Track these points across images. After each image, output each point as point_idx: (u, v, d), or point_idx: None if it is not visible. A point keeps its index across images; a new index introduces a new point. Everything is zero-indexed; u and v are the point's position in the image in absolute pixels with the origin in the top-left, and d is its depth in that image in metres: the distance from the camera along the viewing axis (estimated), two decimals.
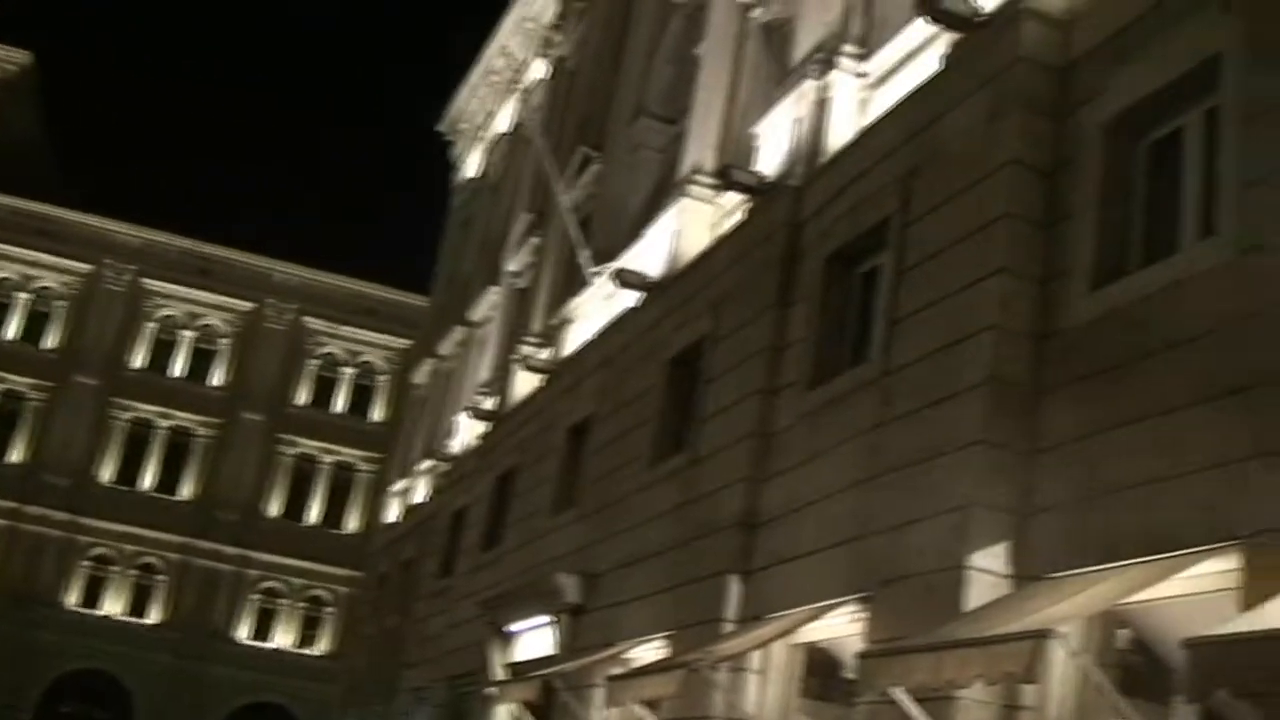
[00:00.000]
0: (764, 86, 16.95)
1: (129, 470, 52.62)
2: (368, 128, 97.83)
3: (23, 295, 53.77)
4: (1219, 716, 7.03)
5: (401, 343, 53.82)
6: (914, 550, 9.66)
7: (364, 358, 56.31)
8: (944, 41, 11.68)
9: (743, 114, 17.30)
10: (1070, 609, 7.74)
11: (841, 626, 10.74)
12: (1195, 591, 7.75)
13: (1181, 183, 9.21)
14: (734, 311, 14.33)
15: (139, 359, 54.03)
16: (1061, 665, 8.34)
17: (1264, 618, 5.97)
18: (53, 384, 52.32)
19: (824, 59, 14.28)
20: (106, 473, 52.43)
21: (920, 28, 12.24)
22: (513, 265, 28.32)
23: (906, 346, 10.72)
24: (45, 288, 53.93)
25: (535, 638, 18.26)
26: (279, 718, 51.15)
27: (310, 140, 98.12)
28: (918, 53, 12.71)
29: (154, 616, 51.15)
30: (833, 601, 10.48)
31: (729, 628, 12.24)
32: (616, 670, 13.47)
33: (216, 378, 54.58)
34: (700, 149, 17.85)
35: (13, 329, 53.52)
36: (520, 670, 18.36)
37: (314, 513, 54.06)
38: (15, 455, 51.78)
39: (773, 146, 15.02)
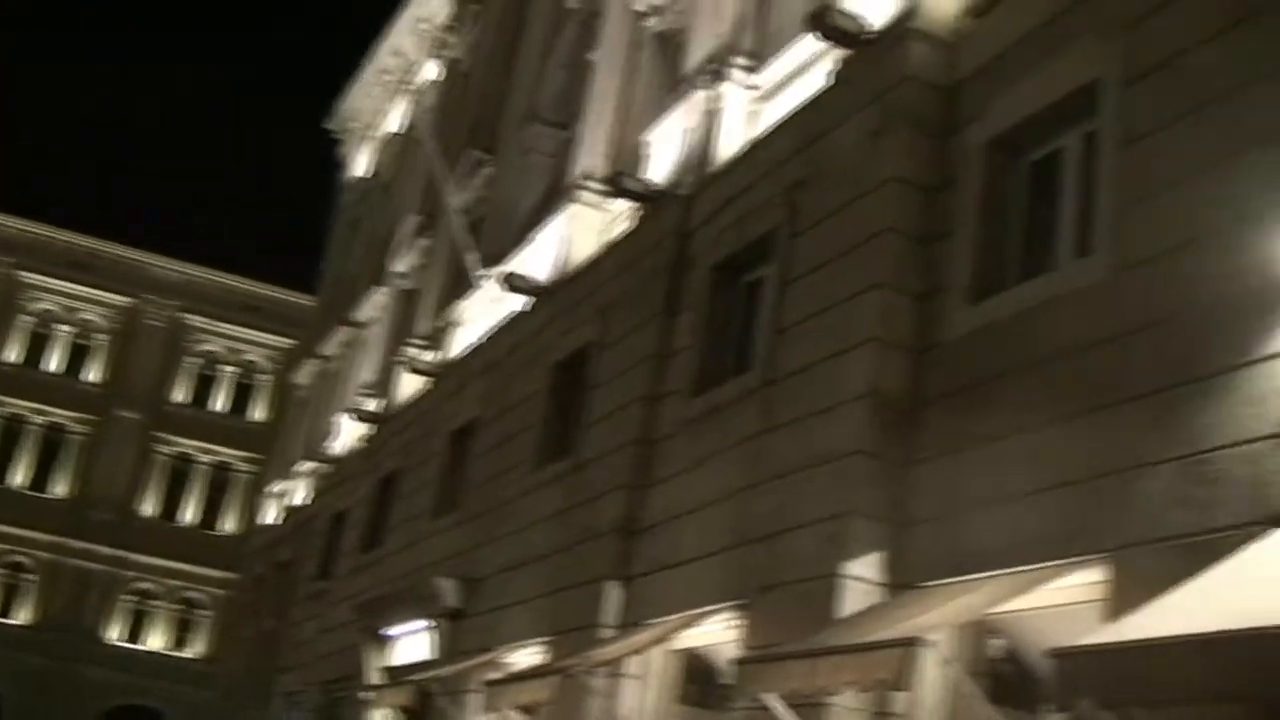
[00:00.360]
0: (656, 95, 17.05)
1: None
2: (255, 124, 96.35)
3: None
4: None
5: (285, 342, 53.07)
6: (791, 558, 9.77)
7: (246, 356, 55.46)
8: (833, 57, 11.83)
9: (634, 121, 17.37)
10: (941, 618, 7.88)
11: (720, 633, 10.81)
12: (1064, 602, 7.92)
13: (1059, 203, 9.43)
14: (620, 318, 14.38)
15: (13, 353, 52.64)
16: (932, 673, 8.48)
17: (1127, 629, 6.12)
18: None
19: (715, 70, 14.40)
20: None
21: (810, 43, 12.40)
22: (400, 266, 28.11)
23: (789, 357, 10.84)
24: None
25: (413, 642, 18.12)
26: None
27: (195, 135, 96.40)
28: (807, 68, 12.87)
29: (23, 617, 49.83)
30: (711, 608, 10.56)
31: (608, 633, 12.26)
32: (494, 675, 13.42)
33: (93, 373, 53.37)
34: (591, 155, 17.89)
35: None
36: (397, 675, 18.20)
37: (190, 513, 53.08)
38: None
39: (663, 155, 15.12)
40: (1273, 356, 6.90)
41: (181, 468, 53.42)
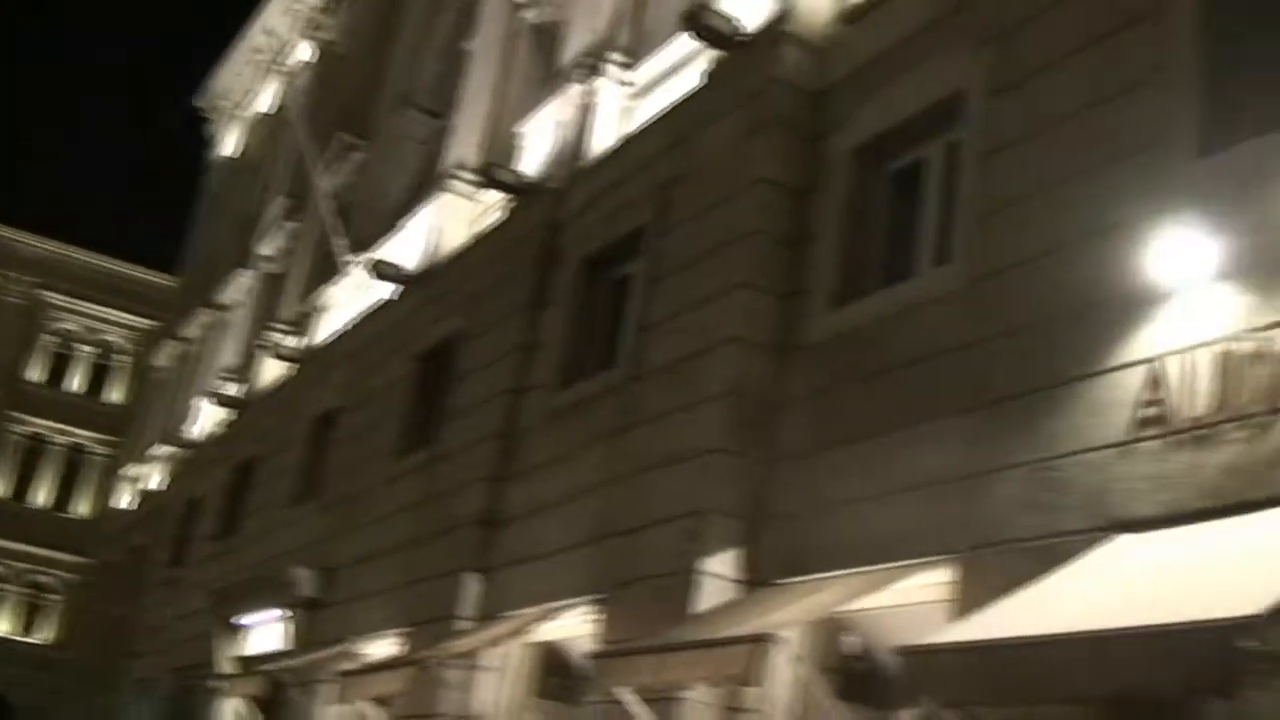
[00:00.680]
0: (531, 87, 16.98)
1: None
2: (123, 99, 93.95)
3: None
4: None
5: (145, 323, 51.79)
6: (649, 553, 9.82)
7: (104, 336, 54.04)
8: (707, 58, 11.91)
9: (509, 113, 17.28)
10: (793, 615, 7.99)
11: (578, 626, 10.82)
12: (917, 601, 8.06)
13: (921, 211, 9.61)
14: (488, 309, 14.32)
15: None
16: (783, 669, 8.59)
17: (972, 628, 6.27)
18: None
19: (591, 65, 14.40)
20: None
21: (685, 43, 12.46)
22: (266, 249, 27.64)
23: (654, 353, 10.90)
24: None
25: (267, 632, 17.85)
26: None
27: (57, 108, 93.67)
28: (681, 67, 12.93)
29: None
30: (569, 602, 10.57)
31: (465, 625, 12.21)
32: (347, 666, 13.27)
33: None
34: (464, 145, 17.76)
35: None
36: (249, 665, 17.92)
37: (42, 495, 51.59)
38: None
39: (536, 147, 15.08)
40: (1117, 368, 7.11)
41: (35, 448, 51.90)
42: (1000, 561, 7.33)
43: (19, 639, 49.74)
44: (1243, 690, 4.95)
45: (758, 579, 9.26)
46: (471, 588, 12.42)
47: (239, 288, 29.44)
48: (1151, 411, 6.85)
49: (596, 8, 14.93)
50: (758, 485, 9.55)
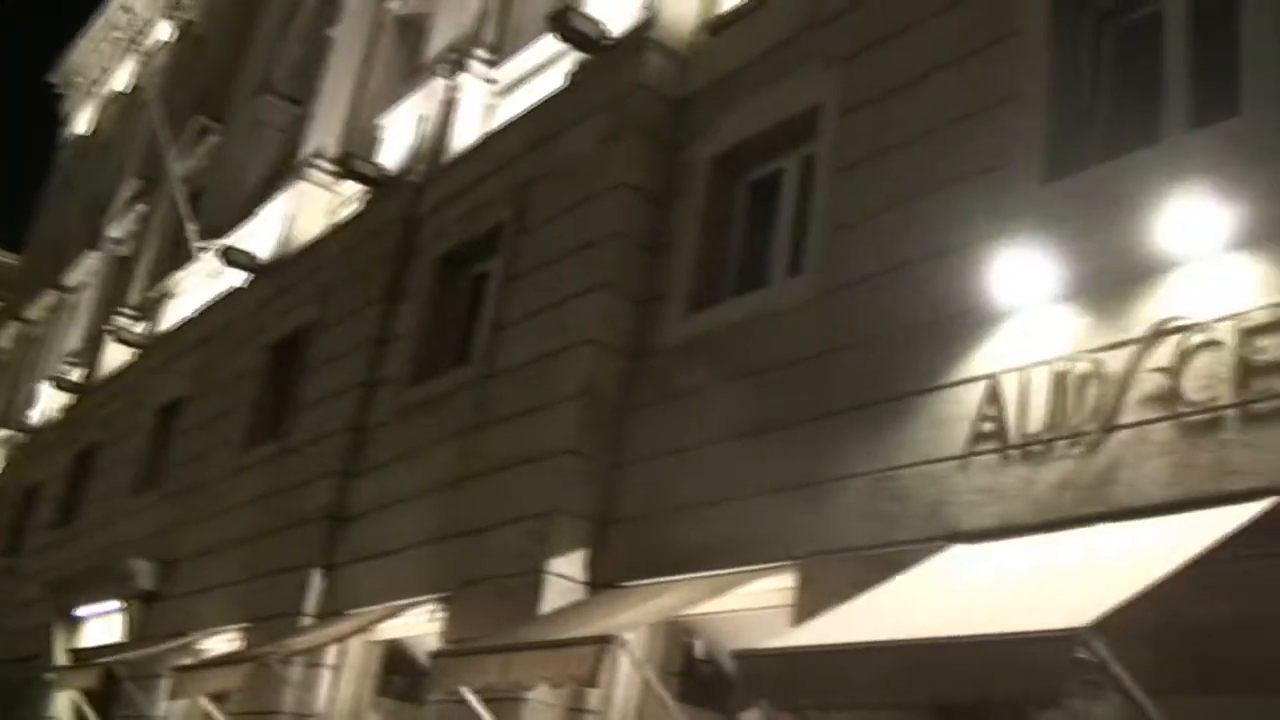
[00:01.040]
0: (394, 79, 16.86)
1: None
2: None
3: None
4: None
5: None
6: (496, 553, 9.80)
7: None
8: (571, 60, 11.93)
9: (370, 103, 17.10)
10: (636, 617, 8.04)
11: (423, 625, 10.75)
12: (761, 606, 8.17)
13: (776, 222, 9.74)
14: (341, 302, 14.15)
15: None
16: (625, 671, 8.65)
17: (807, 633, 6.39)
18: None
19: (456, 60, 14.32)
20: None
21: (550, 43, 12.45)
22: (116, 231, 26.95)
23: (509, 353, 10.88)
24: None
25: (104, 623, 17.40)
26: None
27: None
28: (546, 67, 12.92)
29: None
30: (412, 600, 10.49)
31: (307, 622, 12.05)
32: (185, 661, 13.01)
33: None
34: (323, 133, 17.54)
35: None
36: (84, 657, 17.45)
37: None
38: None
39: (397, 140, 14.95)
40: (958, 383, 7.31)
41: None
42: (840, 568, 7.46)
43: None
44: (1070, 700, 5.14)
45: (605, 581, 9.29)
46: (316, 583, 12.26)
47: (87, 269, 28.66)
48: (989, 426, 7.05)
49: (463, 3, 14.86)
50: (607, 487, 9.59)
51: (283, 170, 19.27)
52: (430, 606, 10.51)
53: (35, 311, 32.61)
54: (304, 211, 16.89)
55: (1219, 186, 6.35)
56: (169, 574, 15.74)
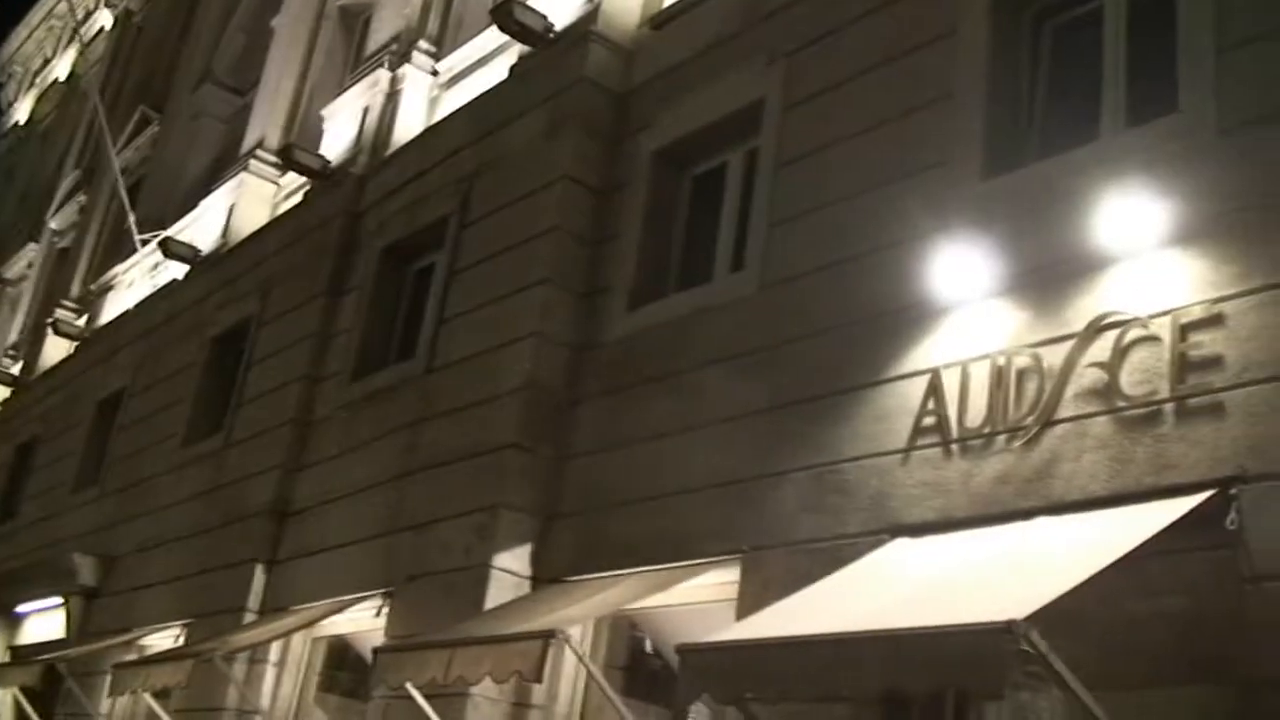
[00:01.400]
0: (338, 70, 16.73)
1: None
2: None
3: None
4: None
5: None
6: (440, 548, 9.76)
7: None
8: (515, 52, 11.89)
9: (313, 95, 16.98)
10: (581, 611, 8.05)
11: (367, 621, 10.68)
12: (706, 600, 8.20)
13: (719, 217, 9.75)
14: (283, 295, 14.04)
15: None
16: (569, 665, 8.65)
17: (749, 627, 6.42)
18: None
19: (399, 51, 14.25)
20: None
21: (494, 35, 12.41)
22: (56, 223, 26.61)
23: (452, 346, 10.84)
24: None
25: (45, 620, 17.19)
26: None
27: None
28: (490, 59, 12.89)
29: None
30: (356, 595, 10.43)
31: (250, 618, 11.96)
32: (126, 657, 12.87)
33: None
34: (266, 125, 17.39)
35: None
36: (24, 654, 17.24)
37: None
38: None
39: (340, 132, 14.84)
40: (900, 377, 7.36)
41: None
42: (784, 562, 7.51)
43: None
44: (1009, 691, 5.18)
45: (549, 576, 9.28)
46: (259, 579, 12.16)
47: (27, 261, 28.28)
48: (930, 421, 7.11)
49: None
50: (551, 481, 9.58)
51: (225, 162, 19.10)
52: (375, 602, 10.44)
53: None
54: (246, 203, 16.76)
55: (1156, 183, 6.43)
56: (111, 570, 15.56)
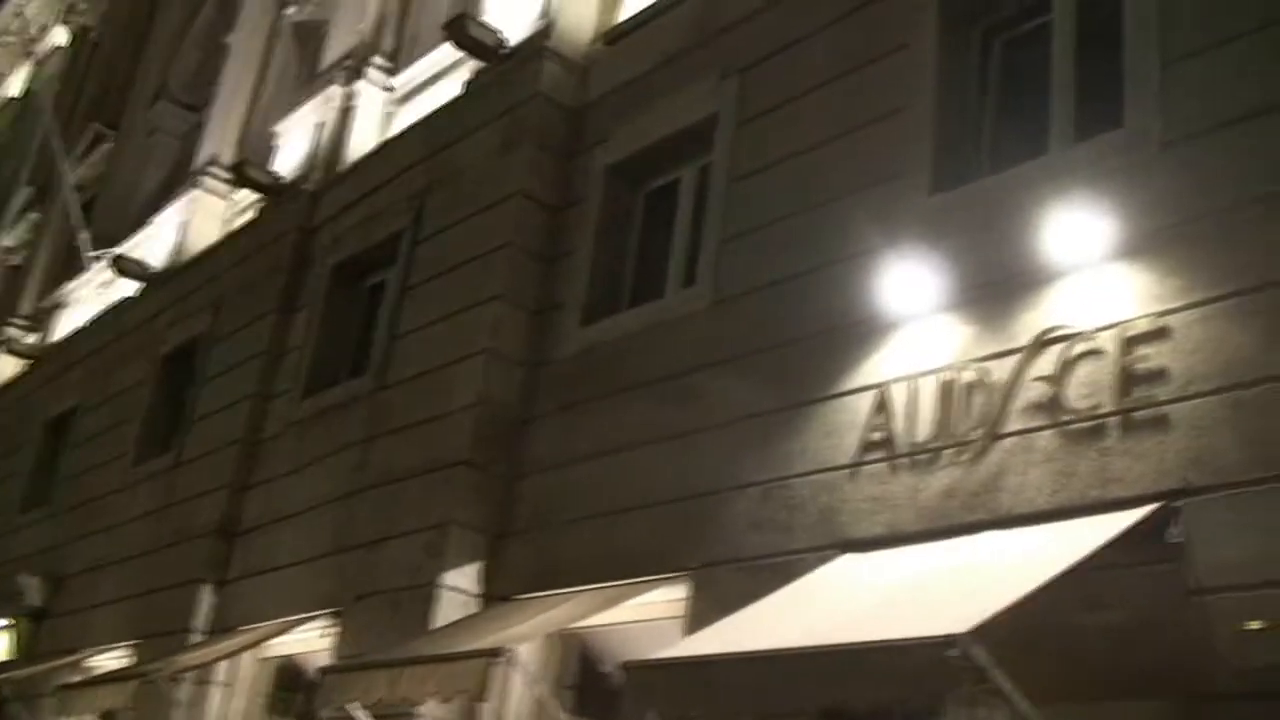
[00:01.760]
0: (291, 86, 16.63)
1: None
2: None
3: None
4: None
5: None
6: (389, 566, 9.66)
7: None
8: (469, 68, 11.85)
9: (267, 111, 16.87)
10: (528, 629, 7.98)
11: (316, 641, 10.57)
12: (655, 617, 8.15)
13: (672, 232, 9.72)
14: (235, 312, 13.92)
15: None
16: (517, 684, 8.56)
17: (694, 644, 6.37)
18: None
19: (353, 67, 14.17)
20: None
21: (448, 51, 12.34)
22: (7, 240, 26.32)
23: (404, 363, 10.75)
24: None
25: None
26: None
27: None
28: (444, 75, 12.82)
29: None
30: (304, 615, 10.31)
31: (198, 638, 11.81)
32: (72, 679, 12.69)
33: None
34: (219, 141, 17.28)
35: None
36: None
37: None
38: None
39: (293, 148, 14.74)
40: (849, 392, 7.34)
41: None
42: (732, 578, 7.46)
43: None
44: (953, 705, 5.15)
45: (499, 594, 9.20)
46: (207, 599, 12.02)
47: None
48: (878, 435, 7.09)
49: (361, 10, 14.69)
50: (502, 499, 9.51)
51: (179, 178, 18.94)
52: (323, 622, 10.33)
53: None
54: (198, 220, 16.62)
55: (1102, 198, 6.45)
56: (59, 590, 15.36)
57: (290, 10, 17.46)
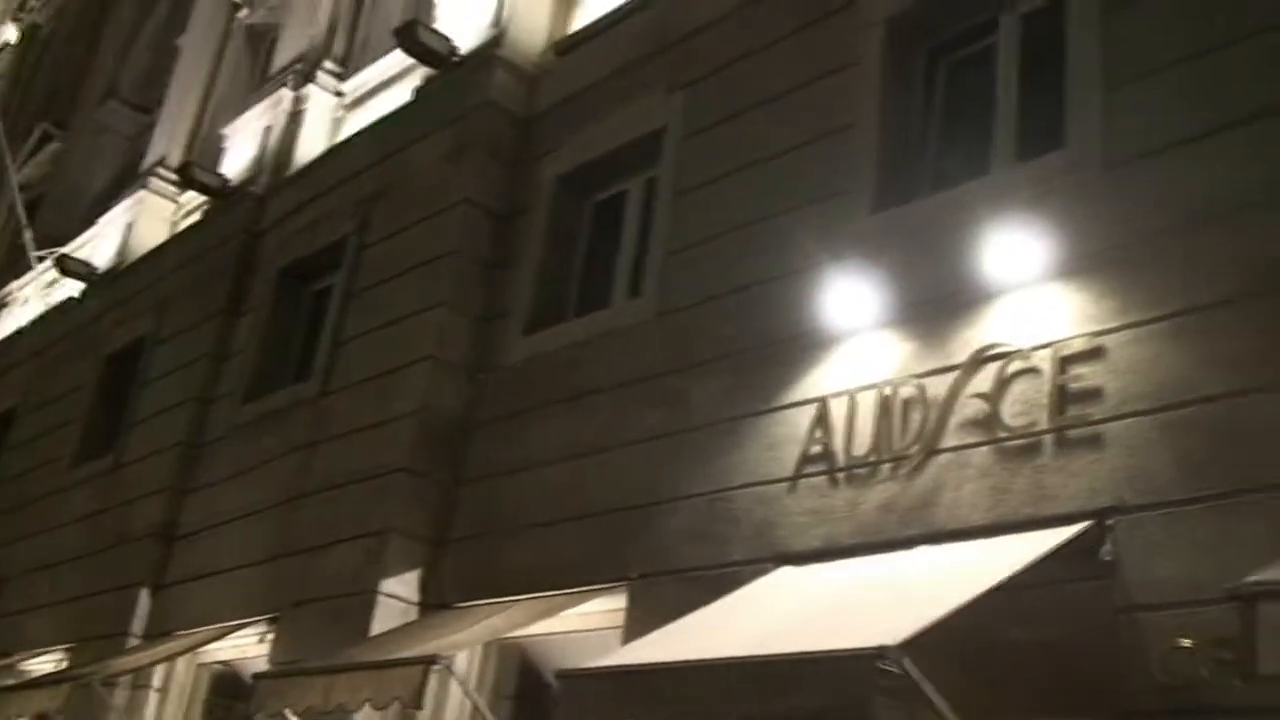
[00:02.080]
0: (242, 89, 16.55)
1: None
2: None
3: None
4: None
5: None
6: (328, 573, 9.61)
7: None
8: (419, 75, 11.83)
9: (217, 113, 16.77)
10: (465, 638, 7.96)
11: (253, 647, 10.50)
12: (594, 627, 8.15)
13: (619, 243, 9.74)
14: (179, 314, 13.82)
15: None
16: (454, 692, 8.54)
17: (629, 653, 6.37)
18: None
19: (303, 71, 14.12)
20: None
21: (400, 57, 12.32)
22: None
23: (347, 369, 10.71)
24: None
25: None
26: None
27: None
28: (395, 81, 12.79)
29: None
30: (241, 621, 10.23)
31: (134, 642, 11.70)
32: (5, 682, 12.54)
33: None
34: (168, 142, 17.15)
35: None
36: None
37: None
38: None
39: (241, 151, 14.66)
40: (789, 406, 7.38)
41: None
42: (670, 589, 7.47)
43: None
44: (881, 716, 5.17)
45: (438, 602, 9.17)
46: (144, 603, 11.90)
47: None
48: (817, 449, 7.13)
49: (313, 14, 14.64)
50: (443, 507, 9.48)
51: (127, 179, 18.79)
52: (261, 627, 10.26)
53: None
54: (145, 221, 16.49)
55: (1041, 218, 6.51)
56: None
57: (243, 13, 17.36)
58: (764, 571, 6.99)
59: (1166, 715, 5.34)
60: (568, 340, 9.36)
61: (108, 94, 21.14)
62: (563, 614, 8.07)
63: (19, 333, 18.69)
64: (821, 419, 7.15)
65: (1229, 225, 5.88)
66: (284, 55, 14.78)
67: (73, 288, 17.17)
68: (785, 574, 6.86)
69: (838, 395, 7.13)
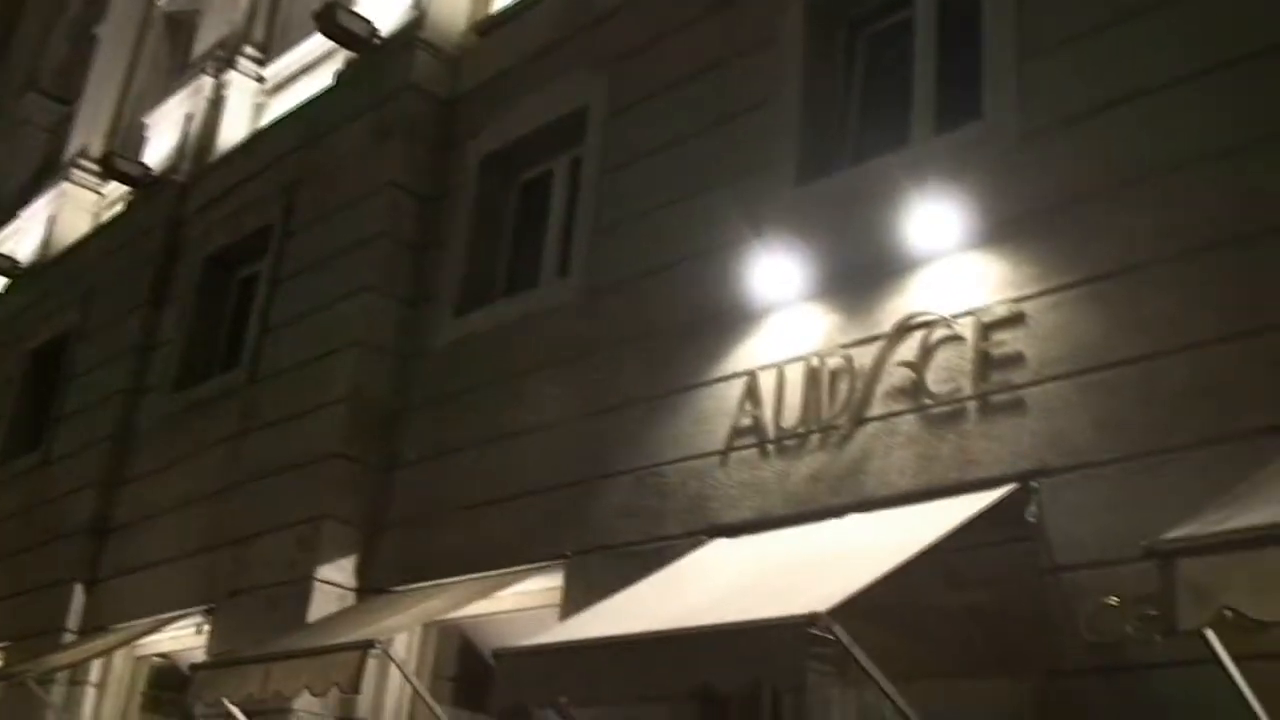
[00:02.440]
0: (162, 77, 16.32)
1: None
2: None
3: None
4: None
5: None
6: (263, 561, 9.56)
7: None
8: (341, 58, 11.75)
9: (137, 102, 16.53)
10: (402, 621, 7.96)
11: (191, 638, 10.42)
12: (532, 606, 8.19)
13: (546, 223, 9.75)
14: (105, 306, 13.66)
15: None
16: (393, 676, 8.54)
17: (564, 630, 6.41)
18: None
19: (224, 58, 13.97)
20: None
21: (321, 41, 12.22)
22: None
23: (276, 356, 10.64)
24: None
25: None
26: None
27: None
28: (317, 65, 12.69)
29: None
30: (176, 613, 10.15)
31: (69, 638, 11.58)
32: None
33: None
34: (88, 133, 16.90)
35: None
36: None
37: None
38: None
39: (163, 140, 14.49)
40: (719, 380, 7.43)
41: None
42: (605, 565, 7.52)
43: None
44: (815, 682, 5.24)
45: (375, 587, 9.16)
46: (78, 599, 11.77)
47: None
48: (747, 422, 7.19)
49: (232, 0, 14.48)
50: (377, 492, 9.47)
51: (48, 171, 18.50)
52: (198, 619, 10.18)
53: None
54: (67, 213, 16.25)
55: (961, 188, 6.59)
56: None
57: (161, 1, 17.12)
58: (698, 544, 7.04)
59: (1094, 673, 5.44)
60: (497, 321, 9.36)
61: (26, 85, 20.78)
62: (501, 594, 8.11)
63: None
64: (751, 392, 7.21)
65: (1143, 191, 5.98)
66: (204, 42, 14.61)
67: None
68: (718, 546, 6.91)
69: (766, 368, 7.19)
